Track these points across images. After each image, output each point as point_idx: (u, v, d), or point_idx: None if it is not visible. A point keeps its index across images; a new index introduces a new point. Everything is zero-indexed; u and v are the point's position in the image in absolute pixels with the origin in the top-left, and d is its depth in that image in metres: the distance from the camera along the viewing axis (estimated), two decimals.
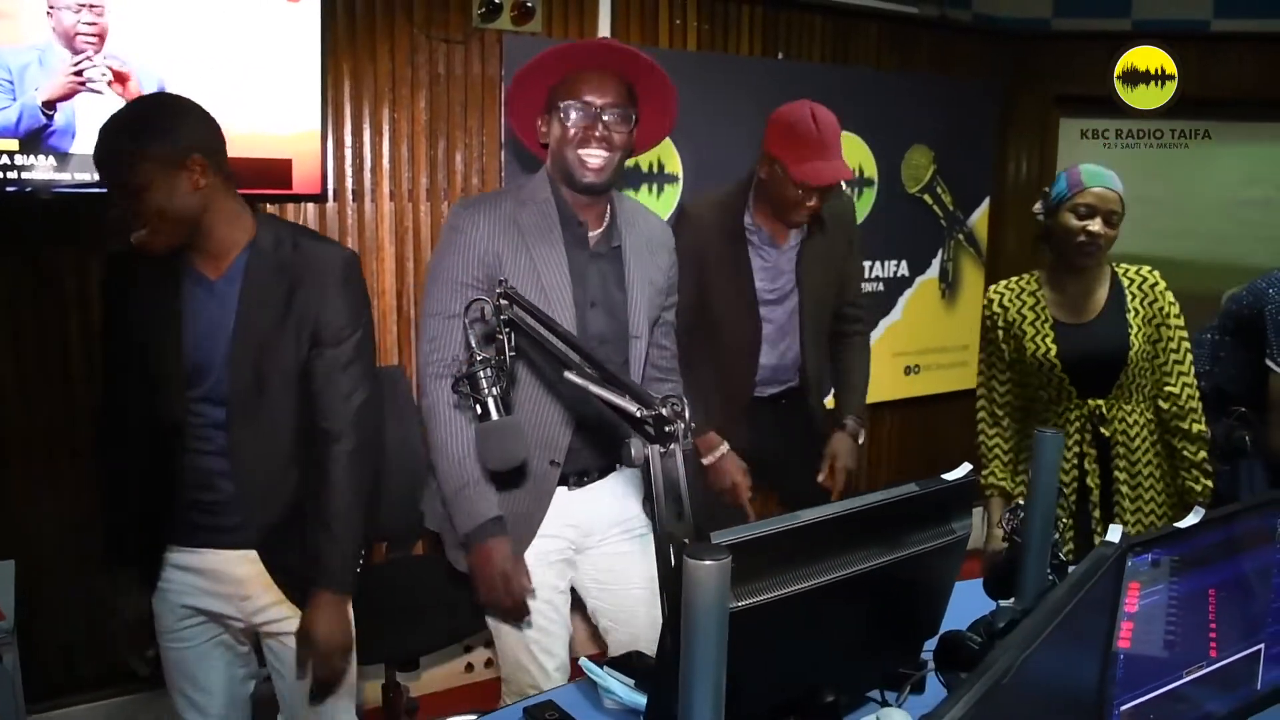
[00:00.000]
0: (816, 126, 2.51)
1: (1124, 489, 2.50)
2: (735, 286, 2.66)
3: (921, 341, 4.29)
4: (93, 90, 2.44)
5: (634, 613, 2.19)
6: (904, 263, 4.17)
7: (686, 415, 1.36)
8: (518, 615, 2.07)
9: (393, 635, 2.50)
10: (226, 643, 2.05)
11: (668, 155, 3.46)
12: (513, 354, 1.67)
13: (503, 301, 1.65)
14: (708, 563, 0.91)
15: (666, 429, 1.35)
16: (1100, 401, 2.48)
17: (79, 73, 2.43)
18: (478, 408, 1.65)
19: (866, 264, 3.95)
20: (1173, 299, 2.48)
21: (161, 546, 1.97)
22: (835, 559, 1.37)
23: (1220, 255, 4.41)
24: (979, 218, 4.41)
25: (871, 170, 3.97)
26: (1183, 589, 1.41)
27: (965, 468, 1.51)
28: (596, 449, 2.15)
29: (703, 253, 2.59)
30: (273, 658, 2.06)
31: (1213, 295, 2.86)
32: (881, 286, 4.13)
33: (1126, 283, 2.48)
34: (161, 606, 2.00)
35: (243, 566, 1.96)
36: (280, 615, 1.99)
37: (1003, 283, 2.60)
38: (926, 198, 4.21)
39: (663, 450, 1.36)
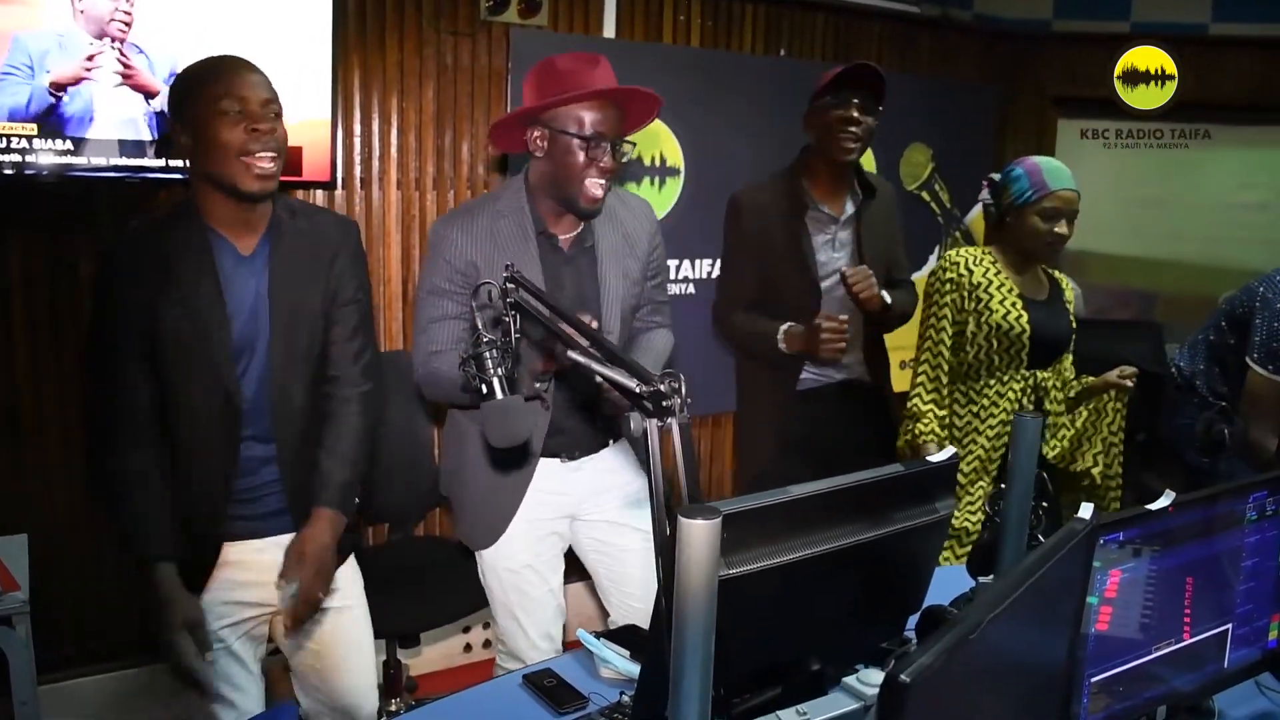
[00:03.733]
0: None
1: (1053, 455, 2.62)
2: (796, 263, 2.68)
3: (916, 336, 4.34)
4: (90, 79, 2.50)
5: (629, 575, 2.33)
6: None
7: (683, 391, 1.43)
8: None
9: (395, 611, 2.57)
10: (254, 634, 2.06)
11: (670, 149, 3.52)
12: (518, 336, 1.72)
13: (509, 285, 1.71)
14: (699, 522, 0.97)
15: (664, 404, 1.42)
16: (1047, 374, 2.59)
17: (90, 58, 2.48)
18: (483, 387, 1.70)
19: None
20: None
21: (219, 543, 1.98)
22: (824, 532, 1.43)
23: (1217, 258, 4.46)
24: (976, 215, 4.47)
25: (870, 166, 4.02)
26: (1154, 569, 1.47)
27: (949, 450, 1.58)
28: (589, 426, 2.30)
29: (762, 234, 2.67)
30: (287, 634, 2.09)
31: (1208, 298, 2.91)
32: None
33: (1055, 275, 2.69)
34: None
35: (278, 552, 1.98)
36: None
37: (961, 249, 2.65)
38: (924, 195, 4.27)
39: (660, 424, 1.43)
